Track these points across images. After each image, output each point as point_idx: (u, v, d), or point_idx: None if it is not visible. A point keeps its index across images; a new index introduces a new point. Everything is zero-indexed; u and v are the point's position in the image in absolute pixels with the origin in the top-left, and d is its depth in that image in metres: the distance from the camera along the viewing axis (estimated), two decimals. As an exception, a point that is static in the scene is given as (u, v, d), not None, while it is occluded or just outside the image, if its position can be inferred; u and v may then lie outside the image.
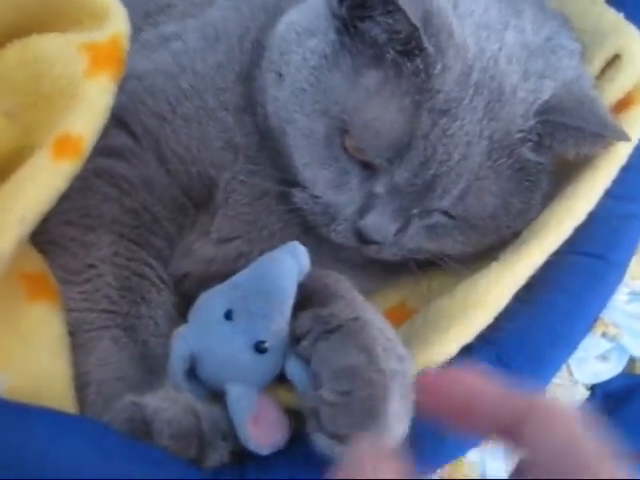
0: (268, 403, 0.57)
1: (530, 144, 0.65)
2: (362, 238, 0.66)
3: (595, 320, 0.70)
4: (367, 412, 0.52)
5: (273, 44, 0.69)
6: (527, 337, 0.63)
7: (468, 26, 0.63)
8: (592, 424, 0.37)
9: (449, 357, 0.60)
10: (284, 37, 0.68)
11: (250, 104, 0.71)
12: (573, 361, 0.71)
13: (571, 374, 0.72)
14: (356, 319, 0.57)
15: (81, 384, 0.62)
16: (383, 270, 0.74)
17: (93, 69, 0.62)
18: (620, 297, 0.72)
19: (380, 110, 0.63)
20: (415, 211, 0.66)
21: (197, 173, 0.71)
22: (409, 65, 0.62)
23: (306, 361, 0.57)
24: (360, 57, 0.64)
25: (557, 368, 0.65)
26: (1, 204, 0.57)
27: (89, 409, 0.61)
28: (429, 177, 0.63)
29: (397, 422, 0.54)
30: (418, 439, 0.55)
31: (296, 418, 0.58)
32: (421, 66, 0.61)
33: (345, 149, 0.65)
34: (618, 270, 0.68)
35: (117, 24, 0.65)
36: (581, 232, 0.65)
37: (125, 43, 0.65)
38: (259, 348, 0.57)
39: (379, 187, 0.65)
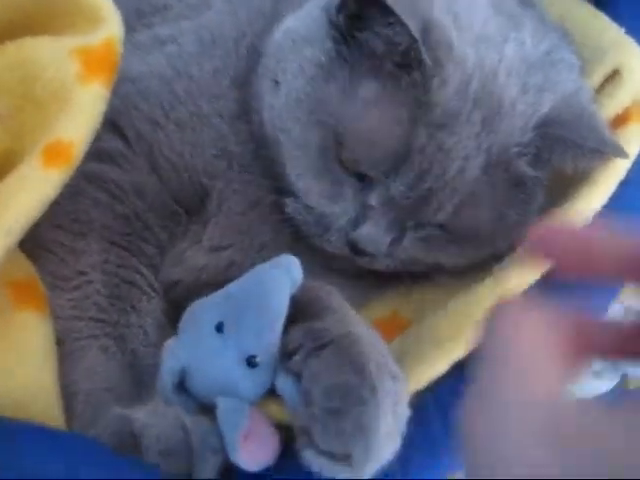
0: (259, 418, 0.57)
1: (527, 157, 0.64)
2: (355, 249, 0.66)
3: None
4: (358, 430, 0.52)
5: (270, 51, 0.68)
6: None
7: (468, 39, 0.62)
8: None
9: (441, 373, 0.60)
10: (281, 44, 0.67)
11: (245, 111, 0.70)
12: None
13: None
14: (348, 335, 0.57)
15: (69, 394, 0.61)
16: (375, 280, 0.73)
17: (86, 74, 0.61)
18: (614, 313, 0.71)
19: (376, 122, 0.62)
20: (409, 223, 0.65)
21: (189, 180, 0.70)
22: (407, 78, 0.61)
23: (297, 377, 0.56)
24: (357, 67, 0.63)
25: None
26: None
27: (77, 420, 0.60)
28: (424, 191, 0.62)
29: (388, 440, 0.54)
30: (409, 456, 0.55)
31: (286, 432, 0.58)
32: (419, 79, 0.60)
33: (340, 160, 0.64)
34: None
35: (111, 27, 0.63)
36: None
37: (119, 47, 0.63)
38: (250, 363, 0.57)
39: (373, 199, 0.64)
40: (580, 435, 0.27)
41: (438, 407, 0.60)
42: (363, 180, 0.64)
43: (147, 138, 0.70)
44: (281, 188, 0.68)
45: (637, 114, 0.69)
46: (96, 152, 0.65)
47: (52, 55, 0.63)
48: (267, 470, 0.56)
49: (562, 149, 0.64)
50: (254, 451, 0.55)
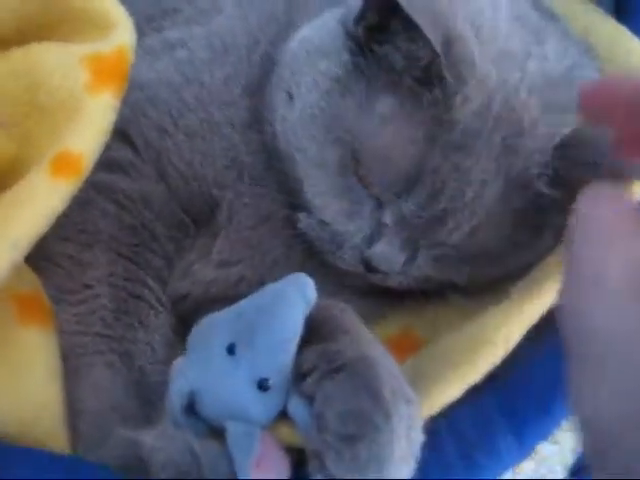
0: (270, 442, 0.55)
1: (546, 178, 0.63)
2: (369, 267, 0.64)
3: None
4: (373, 457, 0.51)
5: (285, 60, 0.66)
6: (535, 378, 0.62)
7: (490, 54, 0.61)
8: None
9: (455, 398, 0.58)
10: (295, 55, 0.66)
11: (257, 120, 0.69)
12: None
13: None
14: (362, 357, 0.56)
15: (74, 412, 0.59)
16: (387, 296, 0.72)
17: (96, 84, 0.59)
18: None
19: (392, 138, 0.60)
20: (423, 242, 0.64)
21: (199, 190, 0.69)
22: (428, 94, 0.59)
23: (309, 399, 0.55)
24: (374, 81, 0.61)
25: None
26: None
27: (82, 441, 0.58)
28: (438, 211, 0.61)
29: (403, 464, 0.53)
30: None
31: (297, 455, 0.56)
32: (440, 96, 0.59)
33: (359, 178, 0.62)
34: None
35: (123, 35, 0.62)
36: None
37: (131, 55, 0.62)
38: (262, 386, 0.55)
39: (387, 217, 0.63)
40: None
41: (451, 432, 0.59)
42: (379, 198, 0.63)
43: (155, 146, 0.69)
44: (294, 202, 0.66)
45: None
46: (105, 161, 0.63)
47: (59, 61, 0.61)
48: (278, 495, 0.55)
49: (581, 172, 0.63)
50: (265, 476, 0.54)
